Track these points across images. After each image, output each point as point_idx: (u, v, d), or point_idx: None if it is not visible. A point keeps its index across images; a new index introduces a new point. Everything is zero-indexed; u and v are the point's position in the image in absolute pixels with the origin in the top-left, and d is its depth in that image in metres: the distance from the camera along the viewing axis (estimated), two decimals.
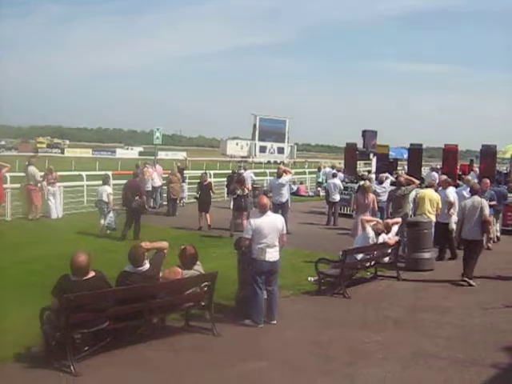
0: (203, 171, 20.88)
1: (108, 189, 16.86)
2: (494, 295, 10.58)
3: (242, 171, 23.60)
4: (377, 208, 14.58)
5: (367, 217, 12.65)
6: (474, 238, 11.51)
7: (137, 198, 15.75)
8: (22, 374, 6.48)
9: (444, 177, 16.10)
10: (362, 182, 17.47)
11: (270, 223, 8.55)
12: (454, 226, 13.32)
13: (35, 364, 6.65)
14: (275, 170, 19.23)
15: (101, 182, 17.65)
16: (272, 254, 8.50)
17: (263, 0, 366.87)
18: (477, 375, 6.76)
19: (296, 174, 30.71)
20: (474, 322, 8.93)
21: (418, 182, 15.11)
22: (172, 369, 6.83)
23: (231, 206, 17.73)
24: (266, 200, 8.89)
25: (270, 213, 8.75)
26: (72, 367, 6.51)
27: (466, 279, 11.36)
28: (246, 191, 16.77)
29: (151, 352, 7.28)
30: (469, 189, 13.79)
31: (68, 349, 6.59)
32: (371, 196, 14.15)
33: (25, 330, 7.33)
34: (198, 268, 8.31)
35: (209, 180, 19.07)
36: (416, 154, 24.27)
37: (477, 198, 11.84)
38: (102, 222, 16.35)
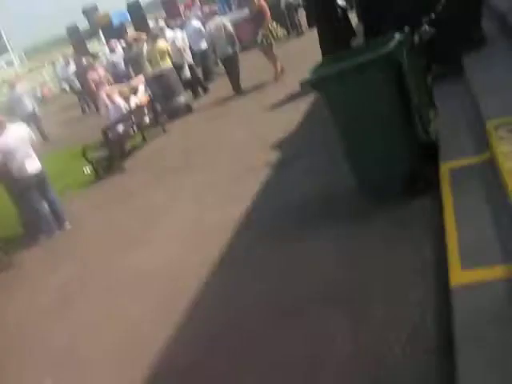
0: None
1: None
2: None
3: None
4: (111, 79, 14.39)
5: (108, 89, 12.45)
6: (228, 55, 12.56)
7: None
8: None
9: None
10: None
11: (15, 137, 8.27)
12: (187, 72, 13.94)
13: None
14: None
15: None
16: (32, 165, 8.30)
17: None
18: None
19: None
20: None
21: (144, 36, 14.85)
22: None
23: None
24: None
25: (10, 127, 8.42)
26: None
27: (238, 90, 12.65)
28: None
29: None
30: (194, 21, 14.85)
31: None
32: (99, 70, 13.94)
33: None
34: None
35: None
36: (135, 10, 24.32)
37: (217, 19, 12.09)
38: None
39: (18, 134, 8.40)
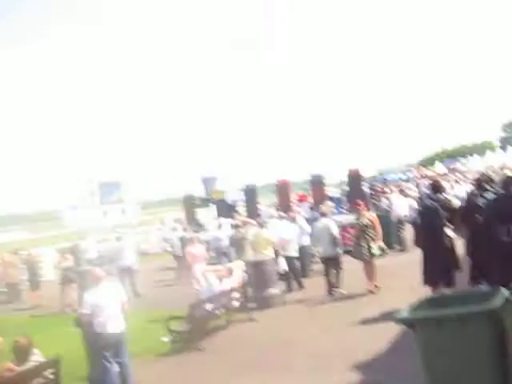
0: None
1: None
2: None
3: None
4: (208, 257, 14.73)
5: (207, 267, 12.72)
6: (330, 255, 12.76)
7: None
8: None
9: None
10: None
11: (107, 294, 8.46)
12: (284, 265, 14.06)
13: None
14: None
15: None
16: (115, 326, 8.39)
17: None
18: None
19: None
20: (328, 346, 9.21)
21: (253, 222, 15.45)
22: None
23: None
24: (97, 271, 8.79)
25: (105, 283, 8.65)
26: None
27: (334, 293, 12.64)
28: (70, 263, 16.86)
29: None
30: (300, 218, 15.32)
31: None
32: (199, 246, 14.43)
33: None
34: (37, 357, 8.05)
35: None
36: (251, 193, 25.37)
37: (324, 220, 12.38)
38: None
39: (111, 293, 8.62)
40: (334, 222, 13.34)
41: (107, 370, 8.40)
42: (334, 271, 12.87)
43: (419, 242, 10.50)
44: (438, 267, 9.60)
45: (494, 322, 4.61)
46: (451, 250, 9.85)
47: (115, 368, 8.49)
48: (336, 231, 13.03)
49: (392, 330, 8.80)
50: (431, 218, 9.85)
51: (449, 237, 9.97)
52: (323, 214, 13.52)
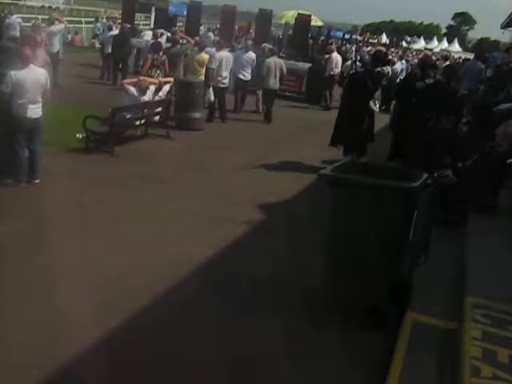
0: None
1: None
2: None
3: (9, 17, 21.49)
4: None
5: (128, 79, 12.61)
6: (275, 89, 15.19)
7: None
8: None
9: (217, 38, 16.71)
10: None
11: (33, 76, 8.15)
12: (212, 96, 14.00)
13: None
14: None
15: None
16: (34, 111, 8.23)
17: None
18: (230, 231, 7.31)
19: (71, 22, 29.71)
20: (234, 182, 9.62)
21: (192, 41, 15.34)
22: None
23: None
24: (28, 51, 8.30)
25: (32, 66, 8.26)
26: None
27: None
28: None
29: None
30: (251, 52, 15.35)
31: None
32: None
33: None
34: None
35: None
36: (195, 10, 23.68)
37: (276, 58, 15.21)
38: None
39: (37, 78, 8.26)
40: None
41: (17, 152, 8.26)
42: (273, 102, 14.99)
43: (341, 106, 10.88)
44: (351, 132, 9.96)
45: (408, 201, 4.88)
46: (369, 120, 10.13)
47: (25, 153, 8.36)
48: (285, 71, 15.22)
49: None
50: (358, 88, 10.00)
51: (370, 110, 10.23)
52: (273, 53, 15.42)
